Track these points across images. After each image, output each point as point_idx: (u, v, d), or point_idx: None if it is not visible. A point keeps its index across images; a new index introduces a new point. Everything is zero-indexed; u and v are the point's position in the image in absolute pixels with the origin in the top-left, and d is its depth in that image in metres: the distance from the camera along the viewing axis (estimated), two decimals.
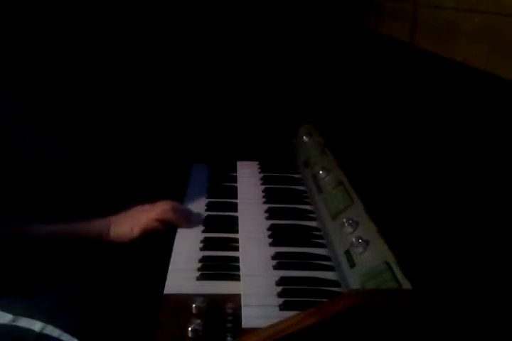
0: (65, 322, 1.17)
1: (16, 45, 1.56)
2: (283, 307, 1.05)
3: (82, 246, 1.35)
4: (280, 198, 1.50)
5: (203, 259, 1.22)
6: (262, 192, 1.54)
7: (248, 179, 1.64)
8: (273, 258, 1.22)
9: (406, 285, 0.92)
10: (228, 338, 0.98)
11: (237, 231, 1.34)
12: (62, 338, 1.15)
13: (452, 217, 0.98)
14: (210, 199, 1.52)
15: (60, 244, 1.33)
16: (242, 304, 1.06)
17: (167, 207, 1.36)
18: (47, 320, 1.17)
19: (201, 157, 1.79)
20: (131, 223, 1.34)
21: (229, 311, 1.05)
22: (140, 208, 1.39)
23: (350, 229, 1.17)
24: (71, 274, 1.35)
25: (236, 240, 1.30)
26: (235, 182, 1.63)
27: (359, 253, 1.10)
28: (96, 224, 1.36)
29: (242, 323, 1.01)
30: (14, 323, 1.17)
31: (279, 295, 1.09)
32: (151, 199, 1.40)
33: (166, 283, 1.14)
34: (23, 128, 1.41)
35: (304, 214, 1.42)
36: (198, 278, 1.16)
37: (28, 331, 1.15)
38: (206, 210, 1.46)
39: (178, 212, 1.37)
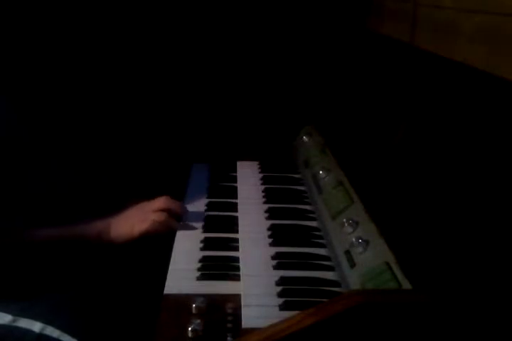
0: (65, 323, 1.17)
1: (15, 46, 1.56)
2: (283, 307, 1.05)
3: (81, 246, 1.35)
4: (280, 198, 1.50)
5: (203, 259, 1.22)
6: (262, 192, 1.54)
7: (248, 179, 1.64)
8: (273, 258, 1.22)
9: (406, 285, 0.92)
10: (228, 338, 0.98)
11: (237, 231, 1.34)
12: (62, 339, 1.15)
13: (452, 216, 0.98)
14: (210, 199, 1.52)
15: (60, 245, 1.33)
16: (242, 304, 1.06)
17: (165, 206, 1.36)
18: (47, 320, 1.17)
19: (201, 157, 1.79)
20: (132, 222, 1.34)
21: (229, 311, 1.05)
22: (138, 206, 1.39)
23: (350, 229, 1.17)
24: (71, 275, 1.35)
25: (236, 240, 1.30)
26: (235, 182, 1.63)
27: (359, 253, 1.10)
28: (95, 225, 1.36)
29: (242, 323, 1.01)
30: (14, 324, 1.17)
31: (279, 295, 1.09)
32: (151, 199, 1.40)
33: (166, 283, 1.14)
34: (22, 130, 1.41)
35: (304, 214, 1.42)
36: (198, 278, 1.16)
37: (28, 332, 1.15)
38: (206, 210, 1.46)
39: (175, 213, 1.37)
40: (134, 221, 1.34)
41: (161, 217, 1.34)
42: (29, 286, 1.28)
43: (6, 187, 1.33)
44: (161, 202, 1.37)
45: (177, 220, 1.37)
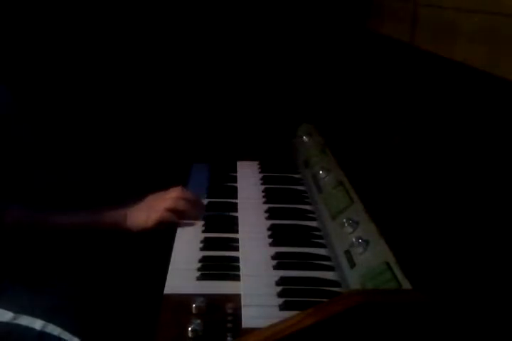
0: (66, 321, 1.18)
1: (17, 41, 1.56)
2: (283, 307, 1.05)
3: (82, 245, 1.35)
4: (280, 198, 1.50)
5: (203, 259, 1.22)
6: (262, 192, 1.54)
7: (248, 179, 1.64)
8: (273, 258, 1.22)
9: (406, 285, 0.92)
10: (228, 338, 0.98)
11: (237, 231, 1.34)
12: (62, 337, 1.15)
13: (452, 216, 0.98)
14: (210, 199, 1.52)
15: (62, 242, 1.33)
16: (242, 304, 1.06)
17: (179, 195, 1.38)
18: (48, 318, 1.17)
19: (201, 157, 1.79)
20: (147, 212, 1.36)
21: (229, 311, 1.05)
22: (154, 197, 1.40)
23: (350, 229, 1.17)
24: (72, 274, 1.35)
25: (236, 240, 1.30)
26: (235, 182, 1.63)
27: (359, 253, 1.10)
28: (111, 213, 1.38)
29: (242, 323, 1.01)
30: (15, 321, 1.17)
31: (279, 295, 1.09)
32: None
33: (166, 283, 1.13)
34: (24, 124, 1.42)
35: (304, 214, 1.42)
36: (198, 278, 1.16)
37: (29, 329, 1.16)
38: (206, 210, 1.46)
39: (189, 201, 1.39)
40: (148, 211, 1.36)
41: (171, 203, 1.36)
42: (29, 283, 1.28)
43: (6, 180, 1.33)
44: (175, 191, 1.39)
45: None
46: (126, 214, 1.38)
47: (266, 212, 1.43)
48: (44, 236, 1.32)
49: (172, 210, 1.36)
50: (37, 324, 1.16)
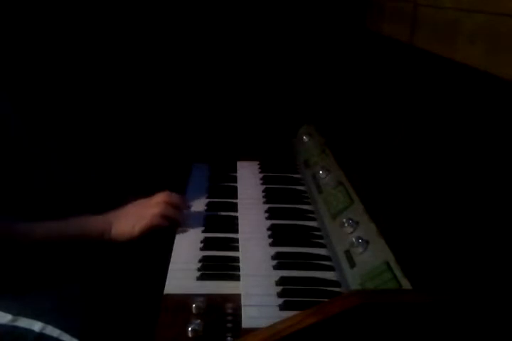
0: (65, 322, 1.17)
1: (15, 44, 1.56)
2: (283, 307, 1.05)
3: (81, 245, 1.35)
4: (280, 198, 1.50)
5: (203, 259, 1.22)
6: (262, 192, 1.54)
7: (248, 179, 1.64)
8: (273, 258, 1.22)
9: (406, 285, 0.92)
10: (228, 338, 0.98)
11: (237, 231, 1.34)
12: (62, 338, 1.15)
13: (452, 216, 0.98)
14: (210, 199, 1.52)
15: (59, 243, 1.32)
16: (242, 304, 1.06)
17: (165, 200, 1.35)
18: (47, 320, 1.17)
19: (201, 157, 1.79)
20: (133, 221, 1.32)
21: (229, 311, 1.05)
22: (138, 203, 1.37)
23: (350, 229, 1.17)
24: (71, 275, 1.35)
25: (236, 240, 1.30)
26: (235, 182, 1.63)
27: (359, 253, 1.10)
28: (96, 222, 1.34)
29: (242, 323, 1.01)
30: (14, 323, 1.17)
31: (279, 295, 1.09)
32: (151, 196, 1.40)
33: (166, 283, 1.14)
34: (22, 127, 1.41)
35: (304, 214, 1.42)
36: (198, 278, 1.16)
37: (28, 331, 1.15)
38: (206, 210, 1.46)
39: (177, 206, 1.37)
40: (135, 218, 1.33)
41: (159, 209, 1.33)
42: (28, 285, 1.28)
43: (2, 181, 1.33)
44: (159, 196, 1.37)
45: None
46: (110, 223, 1.33)
47: (266, 212, 1.43)
48: (22, 246, 1.29)
49: (159, 215, 1.32)
50: (36, 326, 1.16)
